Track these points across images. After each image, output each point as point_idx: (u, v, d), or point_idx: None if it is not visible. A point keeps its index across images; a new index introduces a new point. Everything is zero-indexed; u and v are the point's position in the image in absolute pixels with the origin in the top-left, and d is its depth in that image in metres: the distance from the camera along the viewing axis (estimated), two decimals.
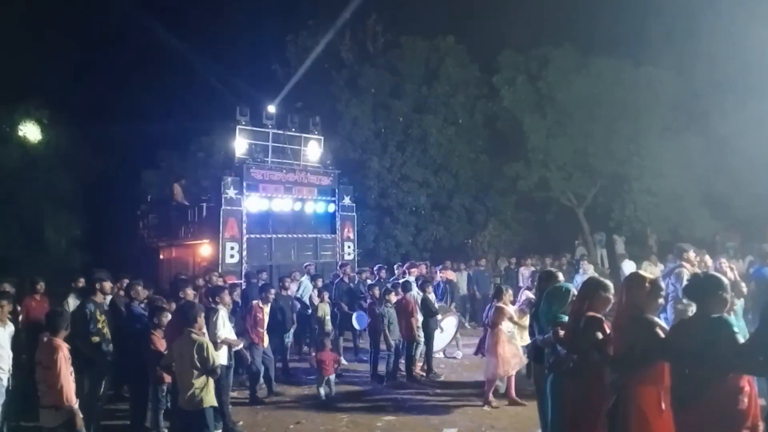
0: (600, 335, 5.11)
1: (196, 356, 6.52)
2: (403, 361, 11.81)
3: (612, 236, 24.02)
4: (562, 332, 5.58)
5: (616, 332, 5.12)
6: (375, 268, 16.02)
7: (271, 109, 18.32)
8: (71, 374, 6.26)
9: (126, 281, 11.03)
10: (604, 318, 5.33)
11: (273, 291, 11.25)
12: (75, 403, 6.21)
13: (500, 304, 9.77)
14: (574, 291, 5.95)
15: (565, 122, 23.18)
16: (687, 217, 21.80)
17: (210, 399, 6.65)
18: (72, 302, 10.45)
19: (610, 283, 5.53)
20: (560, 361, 5.59)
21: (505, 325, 9.68)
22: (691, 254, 9.68)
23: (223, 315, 8.89)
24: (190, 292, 9.45)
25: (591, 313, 5.28)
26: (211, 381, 6.67)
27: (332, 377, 10.60)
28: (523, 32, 24.03)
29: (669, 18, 21.52)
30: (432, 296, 12.72)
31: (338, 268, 16.12)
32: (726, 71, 20.29)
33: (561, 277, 6.89)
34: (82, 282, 11.24)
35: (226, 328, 8.86)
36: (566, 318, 5.68)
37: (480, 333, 11.27)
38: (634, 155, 22.27)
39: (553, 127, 23.40)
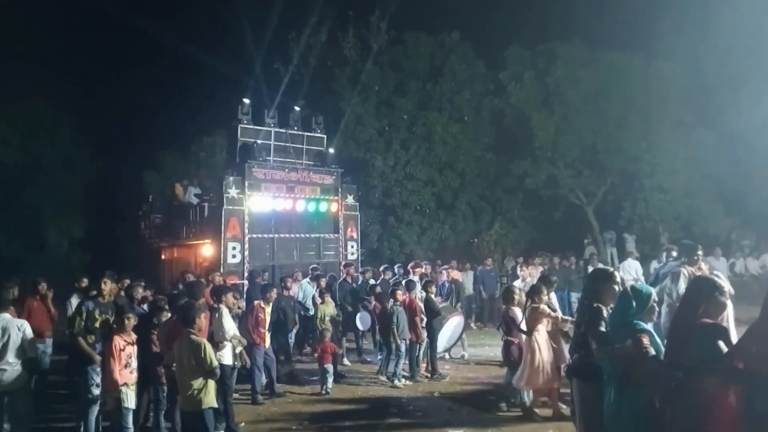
0: (723, 346, 4.28)
1: (193, 357, 6.37)
2: (407, 362, 11.54)
3: (623, 235, 23.68)
4: (646, 342, 4.67)
5: (759, 344, 4.15)
6: (381, 269, 15.83)
7: (274, 107, 18.02)
8: None
9: (127, 281, 10.98)
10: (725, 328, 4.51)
11: (275, 291, 10.98)
12: None
13: (537, 305, 8.82)
14: (655, 295, 5.19)
15: (574, 119, 22.88)
16: (700, 214, 21.54)
17: (209, 400, 6.47)
18: (75, 302, 10.42)
19: (726, 285, 4.78)
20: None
21: (542, 329, 8.81)
22: (699, 253, 8.72)
23: (225, 313, 8.82)
24: (208, 294, 9.37)
25: (706, 320, 4.48)
26: (211, 382, 6.48)
27: (330, 368, 10.69)
28: (530, 27, 23.79)
29: (680, 11, 21.17)
30: (434, 296, 12.39)
31: (341, 267, 15.88)
32: (740, 65, 19.95)
33: (618, 276, 5.94)
34: (85, 282, 11.28)
35: (230, 326, 8.83)
36: (645, 325, 4.90)
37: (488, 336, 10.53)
38: (645, 152, 22.01)
39: (562, 123, 23.10)
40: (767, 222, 19.58)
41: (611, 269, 6.51)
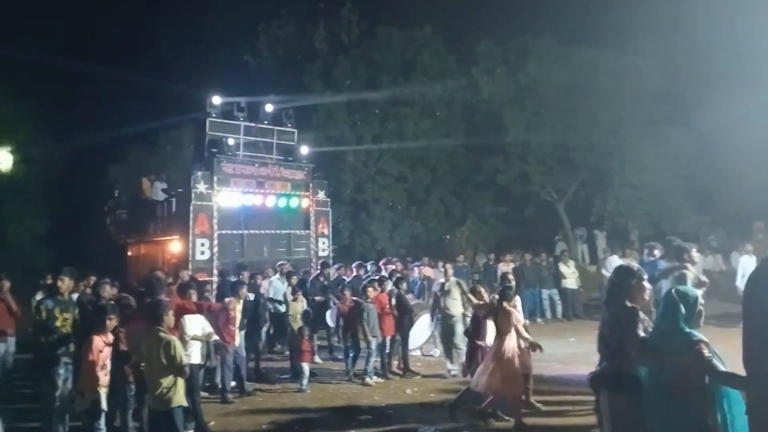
0: None
1: (163, 355, 6.23)
2: (379, 359, 11.44)
3: (593, 231, 23.76)
4: (708, 353, 4.17)
5: None
6: (353, 265, 15.71)
7: (243, 101, 17.74)
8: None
9: (93, 279, 10.93)
10: None
11: (245, 288, 10.78)
12: None
13: (506, 306, 8.39)
14: (701, 298, 4.65)
15: (546, 115, 22.89)
16: (670, 211, 21.62)
17: (179, 399, 6.34)
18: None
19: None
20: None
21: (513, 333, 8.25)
22: (694, 254, 8.31)
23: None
24: (174, 292, 9.10)
25: None
26: (180, 381, 6.35)
27: (306, 367, 10.62)
28: (502, 22, 23.71)
29: (653, 7, 21.18)
30: (406, 293, 12.28)
31: (317, 266, 15.74)
32: (712, 62, 19.98)
33: (645, 273, 5.36)
34: (50, 279, 11.03)
35: (193, 325, 8.52)
36: (699, 335, 4.35)
37: None
38: (616, 148, 22.09)
39: (533, 119, 23.09)
40: (737, 219, 19.68)
41: (636, 266, 5.82)
